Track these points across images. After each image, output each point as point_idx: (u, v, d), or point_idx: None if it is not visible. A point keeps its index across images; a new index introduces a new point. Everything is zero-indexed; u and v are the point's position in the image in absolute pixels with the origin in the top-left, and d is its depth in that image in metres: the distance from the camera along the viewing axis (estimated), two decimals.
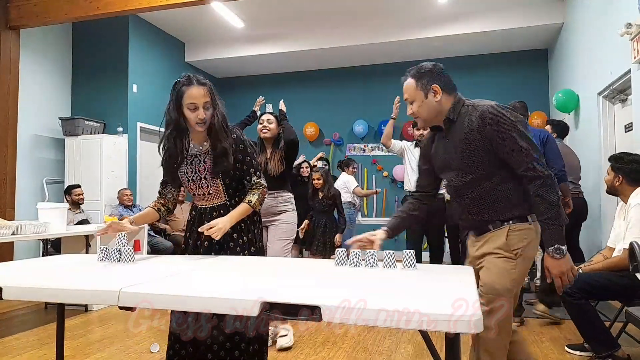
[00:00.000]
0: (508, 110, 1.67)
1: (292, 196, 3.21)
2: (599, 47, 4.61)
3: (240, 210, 2.00)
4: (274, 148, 3.14)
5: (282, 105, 3.55)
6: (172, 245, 5.50)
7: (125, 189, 5.75)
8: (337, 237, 4.46)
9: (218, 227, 1.89)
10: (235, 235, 2.04)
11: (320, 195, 4.50)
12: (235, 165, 2.04)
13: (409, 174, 4.41)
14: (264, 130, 3.13)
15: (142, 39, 6.60)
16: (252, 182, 2.07)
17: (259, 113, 3.81)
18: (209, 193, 2.06)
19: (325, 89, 8.03)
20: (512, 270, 1.67)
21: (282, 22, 6.77)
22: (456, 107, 1.75)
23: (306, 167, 5.34)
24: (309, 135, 7.88)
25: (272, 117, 3.17)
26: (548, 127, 4.28)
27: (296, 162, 5.51)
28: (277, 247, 3.02)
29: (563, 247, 1.61)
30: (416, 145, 4.41)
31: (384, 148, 7.57)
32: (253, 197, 2.04)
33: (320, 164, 5.88)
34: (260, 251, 2.18)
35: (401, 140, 4.62)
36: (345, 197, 5.53)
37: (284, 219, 3.11)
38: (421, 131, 4.32)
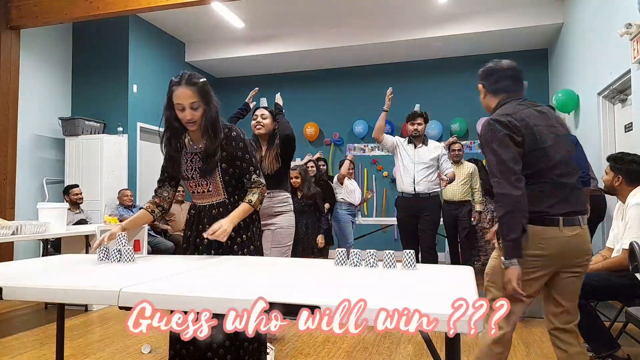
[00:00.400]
0: (492, 127, 1.77)
1: (290, 196, 3.07)
2: (598, 47, 4.61)
3: (241, 210, 2.00)
4: (270, 145, 2.97)
5: (278, 99, 3.34)
6: (173, 245, 5.51)
7: (126, 189, 5.75)
8: (319, 238, 4.24)
9: (222, 229, 1.88)
10: (233, 233, 2.04)
11: (299, 194, 4.25)
12: (235, 163, 2.04)
13: (402, 173, 4.12)
14: (258, 126, 2.96)
15: (143, 39, 6.60)
16: (252, 180, 2.06)
17: (252, 106, 3.58)
18: (208, 191, 2.06)
19: (325, 89, 8.03)
20: (494, 257, 1.89)
21: (282, 22, 6.77)
22: (496, 109, 1.93)
23: (312, 167, 5.20)
24: (309, 135, 7.88)
25: (266, 112, 3.00)
26: None
27: (302, 162, 5.46)
28: (275, 254, 2.91)
29: (506, 261, 1.71)
30: (409, 142, 4.15)
31: (383, 148, 7.59)
32: (253, 197, 2.02)
33: (298, 161, 5.76)
34: (259, 250, 2.18)
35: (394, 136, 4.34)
36: (338, 197, 5.46)
37: (281, 224, 2.95)
38: (415, 126, 4.08)
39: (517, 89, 1.97)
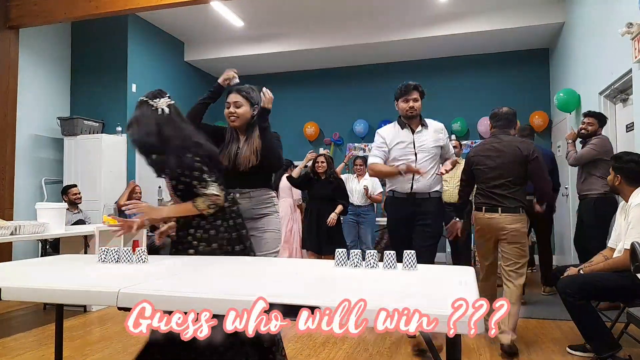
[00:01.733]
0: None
1: (274, 195, 2.57)
2: (600, 47, 4.60)
3: (180, 207, 1.98)
4: (249, 135, 2.42)
5: (265, 101, 2.45)
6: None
7: (136, 185, 5.71)
8: None
9: (141, 204, 1.95)
10: (195, 242, 2.01)
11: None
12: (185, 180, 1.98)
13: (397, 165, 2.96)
14: (232, 118, 2.41)
15: (142, 38, 6.59)
16: (201, 194, 1.95)
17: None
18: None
19: (325, 89, 8.02)
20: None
21: (282, 21, 6.77)
22: None
23: (322, 162, 4.89)
24: (309, 135, 7.87)
25: (240, 99, 2.40)
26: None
27: (308, 159, 5.20)
28: None
29: (454, 219, 3.27)
30: (403, 126, 3.01)
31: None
32: (198, 199, 1.94)
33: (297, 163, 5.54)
34: (246, 251, 2.09)
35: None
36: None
37: (266, 228, 2.46)
38: (411, 103, 2.92)
39: (507, 127, 3.02)
